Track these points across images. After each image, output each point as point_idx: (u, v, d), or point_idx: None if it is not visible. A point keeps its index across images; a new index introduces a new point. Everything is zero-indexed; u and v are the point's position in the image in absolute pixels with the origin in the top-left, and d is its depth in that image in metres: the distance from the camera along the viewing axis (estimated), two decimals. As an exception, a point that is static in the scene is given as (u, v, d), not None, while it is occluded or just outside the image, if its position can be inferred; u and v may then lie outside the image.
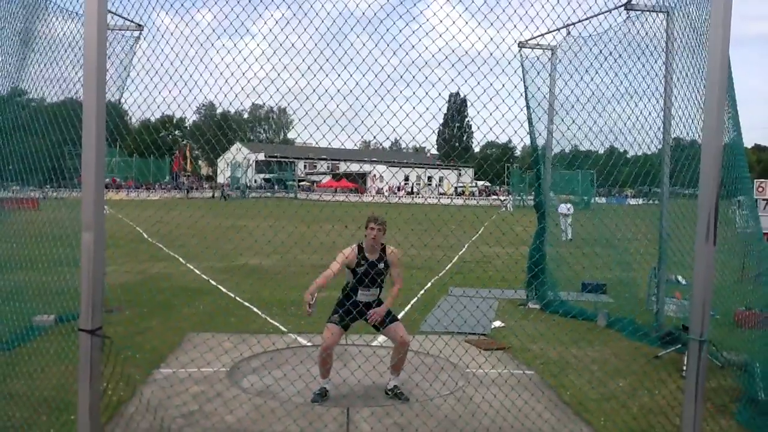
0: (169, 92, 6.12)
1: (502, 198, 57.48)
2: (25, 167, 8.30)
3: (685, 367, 5.91)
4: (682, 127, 8.57)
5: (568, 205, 24.54)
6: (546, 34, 10.44)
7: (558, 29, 9.51)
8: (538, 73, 11.05)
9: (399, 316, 9.69)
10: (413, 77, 5.93)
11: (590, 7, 7.70)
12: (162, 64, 6.10)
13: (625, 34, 8.79)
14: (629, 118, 8.73)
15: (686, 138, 8.80)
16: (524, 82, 11.07)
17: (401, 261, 7.30)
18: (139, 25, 8.81)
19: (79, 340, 3.96)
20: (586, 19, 8.55)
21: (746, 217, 8.93)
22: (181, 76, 6.02)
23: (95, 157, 3.89)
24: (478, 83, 5.83)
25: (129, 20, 8.64)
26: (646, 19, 9.04)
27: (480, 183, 78.52)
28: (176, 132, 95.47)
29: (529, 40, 10.66)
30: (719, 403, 6.84)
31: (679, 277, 11.32)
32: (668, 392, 7.00)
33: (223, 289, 13.31)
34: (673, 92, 9.03)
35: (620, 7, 8.70)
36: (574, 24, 9.10)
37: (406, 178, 75.92)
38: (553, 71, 11.10)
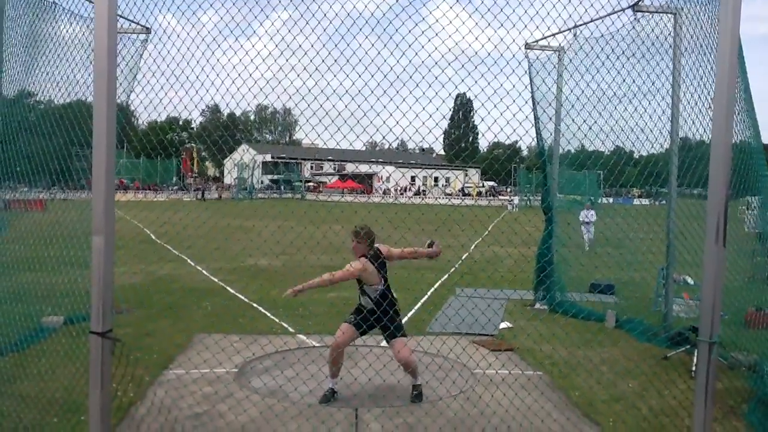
0: (176, 93, 6.16)
1: (507, 198, 57.40)
2: (32, 168, 8.35)
3: (694, 368, 5.90)
4: (690, 127, 8.53)
5: (591, 212, 21.95)
6: (553, 35, 10.43)
7: (565, 30, 9.49)
8: (549, 74, 11.02)
9: (405, 318, 9.76)
10: (423, 77, 5.95)
11: (601, 7, 7.66)
12: (168, 66, 6.14)
13: (635, 36, 8.76)
14: (641, 117, 8.69)
15: (694, 138, 8.76)
16: (531, 83, 11.05)
17: (391, 249, 7.10)
18: (147, 28, 8.83)
19: (90, 343, 3.98)
20: (593, 21, 8.53)
21: (756, 217, 8.89)
22: (187, 78, 6.06)
23: (105, 162, 3.92)
24: (489, 83, 5.85)
25: (137, 23, 8.66)
26: (657, 22, 9.00)
27: (488, 183, 78.52)
28: (183, 133, 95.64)
29: (538, 41, 10.65)
30: (730, 404, 6.82)
31: (687, 278, 11.30)
32: (678, 393, 6.98)
33: (232, 290, 13.34)
34: (680, 92, 8.99)
35: (628, 8, 8.68)
36: (583, 25, 9.08)
37: (413, 179, 75.97)
38: (561, 72, 11.08)
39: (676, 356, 8.64)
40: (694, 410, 4.19)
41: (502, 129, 6.04)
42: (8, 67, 8.24)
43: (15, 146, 8.22)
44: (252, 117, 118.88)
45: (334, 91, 6.16)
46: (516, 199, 54.11)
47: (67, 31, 8.11)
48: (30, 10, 8.19)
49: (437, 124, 6.46)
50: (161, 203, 40.93)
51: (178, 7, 6.31)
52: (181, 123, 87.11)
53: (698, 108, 8.06)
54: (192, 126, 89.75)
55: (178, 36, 6.30)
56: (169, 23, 6.90)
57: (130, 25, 8.68)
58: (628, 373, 8.09)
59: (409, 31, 5.81)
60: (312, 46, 6.08)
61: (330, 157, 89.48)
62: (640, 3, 8.81)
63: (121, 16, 8.23)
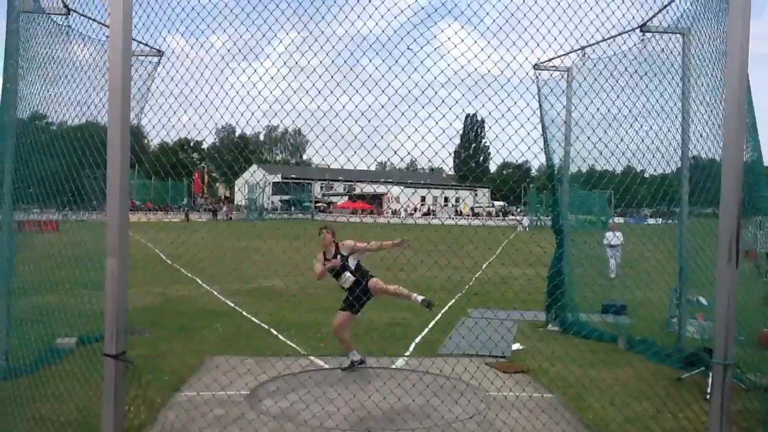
0: (185, 112, 6.23)
1: (518, 219, 57.30)
2: (45, 190, 8.40)
3: (709, 390, 5.85)
4: (701, 146, 8.51)
5: (618, 233, 19.49)
6: (561, 56, 10.47)
7: (573, 51, 9.53)
8: (558, 96, 11.03)
9: (417, 339, 9.95)
10: (436, 93, 5.99)
11: (609, 29, 7.70)
12: (177, 85, 6.25)
13: (645, 57, 8.78)
14: (653, 140, 8.68)
15: (705, 157, 8.74)
16: (540, 104, 11.07)
17: (351, 244, 8.68)
18: (160, 51, 8.91)
19: (103, 366, 3.99)
20: (602, 41, 8.56)
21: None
22: (196, 97, 6.14)
23: (119, 183, 3.95)
24: (503, 101, 5.89)
25: (149, 46, 8.76)
26: (667, 42, 9.02)
27: (497, 203, 78.46)
28: (194, 155, 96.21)
29: (545, 62, 10.68)
30: (745, 427, 6.74)
31: (701, 298, 11.20)
32: (693, 415, 6.92)
33: (243, 312, 13.34)
34: (690, 112, 8.98)
35: (636, 29, 8.70)
36: (590, 45, 9.11)
37: (423, 199, 76.00)
38: (569, 92, 11.09)
39: (690, 378, 8.57)
40: (709, 432, 4.15)
41: (516, 146, 6.07)
42: (23, 89, 8.34)
43: (28, 167, 8.30)
44: (262, 138, 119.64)
45: (343, 107, 6.21)
46: (526, 219, 54.01)
47: (80, 54, 8.22)
48: (44, 33, 8.30)
49: (450, 139, 6.51)
50: (173, 224, 41.05)
51: (186, 28, 6.41)
52: (192, 144, 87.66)
53: (708, 127, 8.05)
54: (203, 147, 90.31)
55: (187, 56, 6.39)
56: (178, 44, 7.00)
57: (141, 47, 8.78)
58: (641, 395, 8.02)
59: (421, 48, 5.87)
60: (321, 62, 6.15)
61: (340, 178, 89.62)
62: (648, 23, 8.84)
63: (134, 39, 8.33)
